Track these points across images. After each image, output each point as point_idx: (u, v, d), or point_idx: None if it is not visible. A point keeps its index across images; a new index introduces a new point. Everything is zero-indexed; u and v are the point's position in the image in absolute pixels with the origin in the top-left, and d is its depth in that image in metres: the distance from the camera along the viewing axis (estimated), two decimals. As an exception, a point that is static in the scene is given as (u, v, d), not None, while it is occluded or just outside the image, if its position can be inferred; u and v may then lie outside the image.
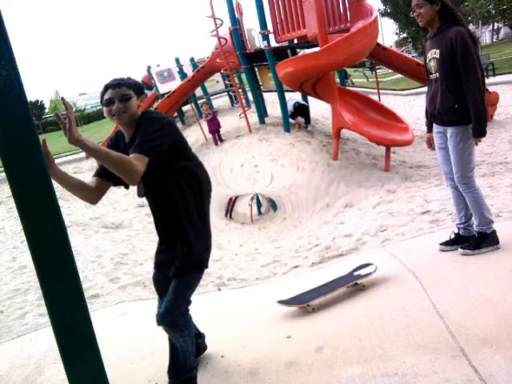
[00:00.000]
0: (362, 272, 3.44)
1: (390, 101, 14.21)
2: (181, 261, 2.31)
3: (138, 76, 18.54)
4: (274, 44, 9.67)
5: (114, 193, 8.11)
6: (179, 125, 15.53)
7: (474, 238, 3.54)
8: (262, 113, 10.93)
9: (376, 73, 12.70)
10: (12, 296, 4.87)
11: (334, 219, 6.13)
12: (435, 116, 3.49)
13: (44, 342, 3.40)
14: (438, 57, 3.31)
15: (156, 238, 2.49)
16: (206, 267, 2.44)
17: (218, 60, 10.65)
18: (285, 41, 9.74)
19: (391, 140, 7.49)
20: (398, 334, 2.66)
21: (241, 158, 8.74)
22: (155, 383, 2.65)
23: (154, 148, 2.04)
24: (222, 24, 10.01)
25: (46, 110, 59.70)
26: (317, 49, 8.04)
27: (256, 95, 10.84)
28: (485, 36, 46.96)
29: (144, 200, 2.36)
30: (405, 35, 46.52)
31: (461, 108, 3.26)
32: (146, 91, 15.08)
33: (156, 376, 2.70)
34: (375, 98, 10.34)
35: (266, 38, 9.36)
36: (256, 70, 11.08)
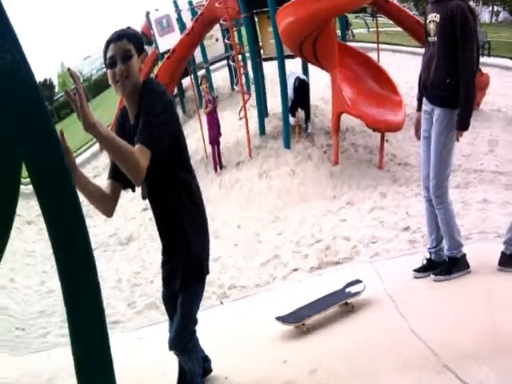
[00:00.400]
0: (352, 290, 3.70)
1: (388, 60, 13.70)
2: (183, 270, 2.36)
3: (138, 26, 17.62)
4: None
5: (123, 197, 8.13)
6: (180, 112, 14.66)
7: (445, 263, 3.64)
8: (263, 114, 10.51)
9: (377, 21, 12.42)
10: (36, 317, 5.10)
11: (338, 212, 6.45)
12: (427, 88, 3.47)
13: (61, 358, 3.62)
14: (437, 20, 3.28)
15: (160, 246, 2.53)
16: (208, 272, 2.48)
17: (216, 4, 9.90)
18: None
19: (385, 122, 7.57)
20: (384, 354, 2.91)
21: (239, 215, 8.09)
22: (163, 401, 2.91)
23: (155, 139, 2.00)
24: None
25: (56, 89, 58.50)
26: None
27: (256, 67, 10.28)
28: (484, 15, 46.38)
29: (147, 203, 2.39)
30: None
31: (452, 83, 3.25)
32: (146, 47, 14.23)
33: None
34: (374, 55, 10.39)
35: None
36: (256, 20, 10.43)
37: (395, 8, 10.42)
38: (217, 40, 15.42)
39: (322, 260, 5.23)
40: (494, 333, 2.84)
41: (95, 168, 13.34)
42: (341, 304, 3.65)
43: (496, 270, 3.54)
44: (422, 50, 3.89)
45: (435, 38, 3.33)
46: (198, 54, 14.43)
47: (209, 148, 10.39)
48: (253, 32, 10.31)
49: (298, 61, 10.48)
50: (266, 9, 9.26)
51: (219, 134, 10.12)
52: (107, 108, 20.54)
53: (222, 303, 4.64)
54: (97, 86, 46.73)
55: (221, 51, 15.77)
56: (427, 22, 3.43)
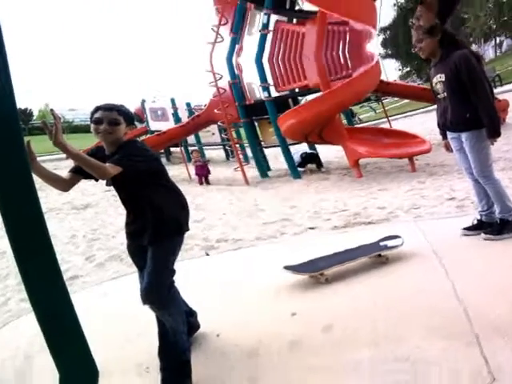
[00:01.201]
0: (389, 243, 3.31)
1: (402, 125, 14.06)
2: (154, 226, 2.25)
3: (131, 106, 17.92)
4: (274, 95, 9.37)
5: (84, 182, 7.96)
6: (164, 160, 14.43)
7: (496, 224, 3.59)
8: (264, 167, 9.89)
9: (383, 103, 12.73)
10: None
11: (368, 195, 5.96)
12: (448, 127, 3.59)
13: (29, 328, 3.08)
14: (443, 80, 3.40)
15: (123, 212, 2.46)
16: (187, 230, 2.39)
17: (215, 111, 9.99)
18: (285, 90, 9.55)
19: (410, 153, 7.54)
20: (414, 315, 2.46)
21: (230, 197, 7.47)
22: (146, 367, 2.41)
23: (130, 165, 2.14)
24: (221, 78, 9.65)
25: (34, 118, 60.19)
26: (319, 93, 7.97)
27: (256, 151, 9.95)
28: (488, 52, 47.37)
29: (111, 187, 2.41)
30: (408, 69, 47.07)
31: (472, 117, 3.33)
32: (137, 123, 13.99)
33: (147, 360, 2.45)
34: (386, 126, 10.29)
35: (266, 89, 9.12)
36: (256, 124, 10.28)
37: (397, 86, 10.71)
38: (213, 134, 14.85)
39: (349, 221, 4.62)
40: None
41: (56, 165, 13.28)
42: (372, 256, 3.18)
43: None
44: (434, 107, 4.12)
45: (444, 94, 3.46)
46: (191, 136, 14.01)
47: (193, 176, 9.92)
48: (252, 132, 10.23)
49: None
50: (266, 116, 9.28)
51: (208, 172, 9.74)
52: (83, 143, 20.70)
53: (207, 254, 4.03)
54: (76, 129, 48.19)
55: (216, 140, 15.07)
56: (433, 84, 3.57)
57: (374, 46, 8.74)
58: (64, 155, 2.27)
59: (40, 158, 2.39)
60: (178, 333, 2.26)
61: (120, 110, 2.27)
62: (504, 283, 2.69)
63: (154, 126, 15.27)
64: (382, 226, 4.23)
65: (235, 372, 2.27)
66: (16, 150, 1.65)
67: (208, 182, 9.46)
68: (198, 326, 2.65)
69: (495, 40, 45.10)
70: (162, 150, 14.58)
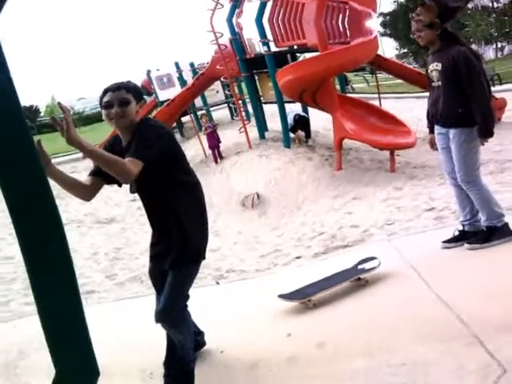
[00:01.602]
0: (366, 266, 3.35)
1: (391, 105, 13.88)
2: (177, 251, 2.25)
3: (138, 80, 18.13)
4: (274, 49, 9.62)
5: (106, 189, 7.91)
6: (178, 137, 14.91)
7: (482, 232, 3.43)
8: (263, 127, 10.57)
9: (376, 76, 12.53)
10: None
11: (342, 207, 6.00)
12: (438, 119, 3.42)
13: (29, 328, 3.26)
14: (439, 69, 3.27)
15: (149, 230, 2.44)
16: (203, 258, 2.40)
17: (218, 66, 10.36)
18: (285, 46, 9.72)
19: (394, 144, 7.49)
20: (403, 327, 2.54)
21: (242, 182, 8.06)
22: (150, 373, 2.55)
23: (149, 155, 2.05)
24: (221, 36, 9.99)
25: (42, 114, 59.57)
26: (317, 53, 8.08)
27: (256, 107, 10.53)
28: (488, 53, 47.17)
29: (136, 196, 2.39)
30: (405, 50, 46.85)
31: (464, 112, 3.18)
32: (145, 97, 14.38)
33: (151, 367, 2.60)
34: (376, 102, 10.28)
35: (266, 44, 9.35)
36: (256, 78, 10.73)
37: (394, 64, 10.70)
38: (217, 92, 15.76)
39: (327, 246, 4.75)
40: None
41: (73, 167, 13.87)
42: (352, 280, 3.28)
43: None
44: (426, 94, 3.89)
45: (439, 83, 3.32)
46: (197, 99, 14.48)
47: (208, 152, 10.47)
48: (253, 86, 10.67)
49: (297, 103, 10.36)
50: (265, 70, 9.53)
51: (219, 142, 10.27)
52: (97, 135, 20.71)
53: (218, 283, 4.21)
54: (88, 119, 47.80)
55: (221, 99, 16.07)
56: (429, 71, 3.43)
57: (374, 24, 8.79)
58: (80, 154, 2.22)
59: (54, 159, 2.33)
60: (185, 348, 2.37)
61: (128, 88, 2.21)
62: (492, 288, 2.69)
63: (162, 95, 15.60)
64: (357, 248, 4.29)
65: (237, 381, 2.42)
66: (26, 152, 1.47)
67: (221, 156, 10.06)
68: (203, 344, 2.77)
69: (496, 44, 45.02)
70: (175, 124, 14.89)
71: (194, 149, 11.38)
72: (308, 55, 9.51)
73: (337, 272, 3.42)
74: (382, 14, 41.28)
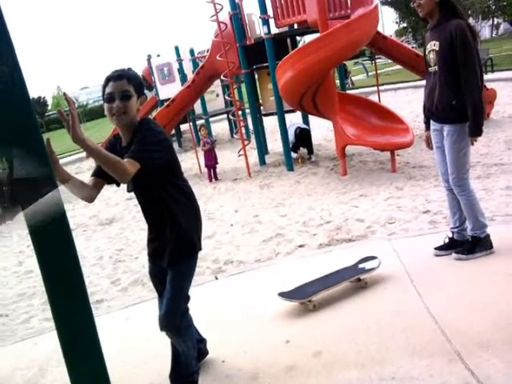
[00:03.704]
0: (367, 266, 3.52)
1: (389, 99, 14.28)
2: (173, 246, 2.35)
3: (139, 69, 17.80)
4: (274, 30, 9.40)
5: (107, 189, 8.01)
6: (176, 146, 14.70)
7: (468, 243, 3.58)
8: (263, 149, 10.34)
9: (376, 64, 12.39)
10: (17, 300, 4.90)
11: (349, 202, 6.20)
12: (432, 112, 3.52)
13: (48, 345, 3.44)
14: (437, 49, 3.33)
15: (145, 226, 2.53)
16: (200, 249, 2.49)
17: (217, 57, 10.02)
18: (285, 25, 9.58)
19: (393, 144, 7.60)
20: (394, 338, 2.72)
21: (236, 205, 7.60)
22: (155, 385, 2.72)
23: (147, 158, 2.12)
24: (221, 9, 9.70)
25: (49, 107, 59.52)
26: (316, 35, 7.87)
27: (256, 120, 10.31)
28: (484, 30, 46.79)
29: (132, 194, 2.47)
30: (405, 25, 46.35)
31: (458, 105, 3.28)
32: (146, 92, 14.38)
33: (157, 380, 2.77)
34: (375, 96, 10.38)
35: (266, 22, 9.10)
36: (256, 76, 10.53)
37: (394, 44, 10.47)
38: (217, 95, 15.52)
39: (332, 237, 4.92)
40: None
41: (78, 167, 14.42)
42: (352, 280, 3.45)
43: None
44: (423, 82, 3.95)
45: (436, 68, 3.39)
46: (197, 106, 14.44)
47: (204, 169, 10.13)
48: (253, 87, 10.49)
49: (298, 113, 10.32)
50: (265, 64, 9.41)
51: (216, 162, 9.92)
52: (100, 132, 20.66)
53: (216, 278, 4.35)
54: (92, 113, 47.49)
55: (221, 106, 15.71)
56: (426, 52, 3.49)
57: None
58: (84, 153, 2.30)
59: (61, 160, 2.32)
60: (188, 358, 2.49)
61: (129, 77, 2.23)
62: (478, 302, 2.91)
63: (163, 92, 15.49)
64: (360, 245, 4.48)
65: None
66: (36, 152, 1.48)
67: (216, 177, 9.75)
68: (206, 353, 2.90)
69: (493, 20, 44.65)
70: (173, 132, 14.74)
71: (190, 162, 11.34)
72: (307, 40, 9.33)
73: (338, 269, 3.59)
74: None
